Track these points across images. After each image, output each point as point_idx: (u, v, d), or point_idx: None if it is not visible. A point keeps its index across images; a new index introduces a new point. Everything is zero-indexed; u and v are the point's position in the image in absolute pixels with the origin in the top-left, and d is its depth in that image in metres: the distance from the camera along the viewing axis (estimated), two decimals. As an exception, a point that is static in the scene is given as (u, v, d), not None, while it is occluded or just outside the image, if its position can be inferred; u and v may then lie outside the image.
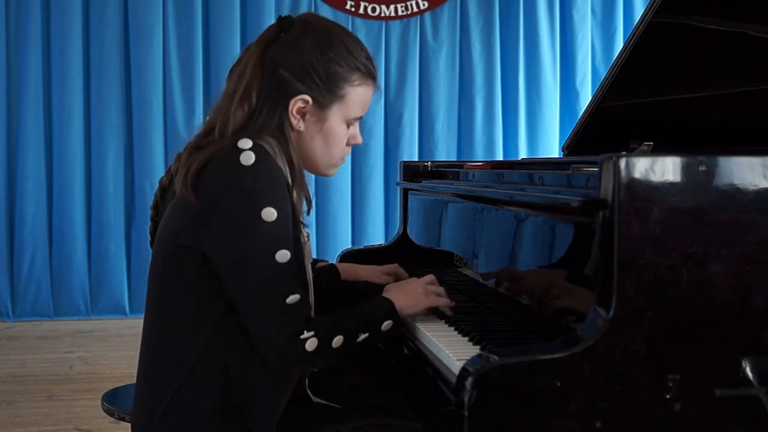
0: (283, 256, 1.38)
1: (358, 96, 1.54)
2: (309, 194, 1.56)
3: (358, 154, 5.57)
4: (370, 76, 1.56)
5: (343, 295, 1.83)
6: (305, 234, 1.58)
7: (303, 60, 1.49)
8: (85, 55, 5.25)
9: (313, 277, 1.80)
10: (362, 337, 1.44)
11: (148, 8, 5.26)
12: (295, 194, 1.47)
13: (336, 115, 1.53)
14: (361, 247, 2.49)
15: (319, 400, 1.68)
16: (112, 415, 2.00)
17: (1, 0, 5.14)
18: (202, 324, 1.45)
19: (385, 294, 1.57)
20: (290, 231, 1.42)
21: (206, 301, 1.44)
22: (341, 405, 1.69)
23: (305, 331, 1.38)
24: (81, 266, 5.26)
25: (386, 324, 1.48)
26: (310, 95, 1.50)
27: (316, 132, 1.53)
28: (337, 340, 1.41)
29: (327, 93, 1.51)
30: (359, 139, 1.60)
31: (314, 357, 1.39)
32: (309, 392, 1.67)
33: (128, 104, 5.31)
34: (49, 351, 4.45)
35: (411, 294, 1.58)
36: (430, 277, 1.67)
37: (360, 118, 1.58)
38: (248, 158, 1.38)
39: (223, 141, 1.45)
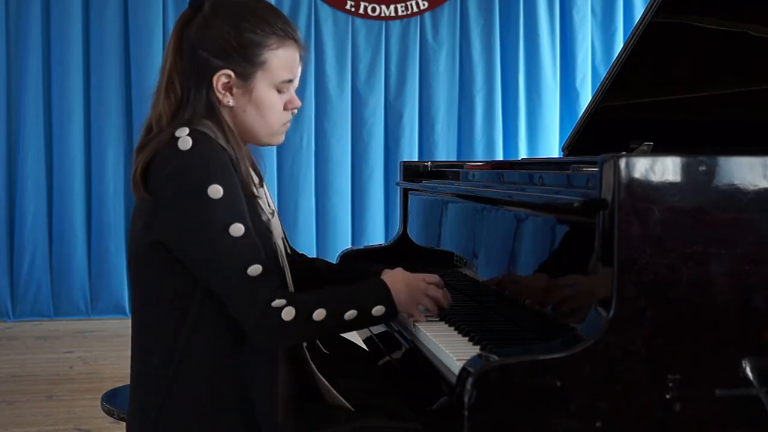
0: (236, 229, 1.41)
1: (279, 59, 1.54)
2: (257, 168, 1.59)
3: (358, 154, 5.58)
4: (289, 37, 1.55)
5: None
6: (270, 209, 1.60)
7: (216, 36, 1.51)
8: (85, 55, 5.25)
9: (315, 270, 1.79)
10: (350, 314, 1.46)
11: (148, 8, 5.26)
12: (243, 169, 1.49)
13: (262, 83, 1.54)
14: (361, 247, 2.49)
15: (338, 396, 1.66)
16: (111, 415, 2.00)
17: (1, 0, 5.14)
18: (183, 320, 1.47)
19: (386, 279, 1.55)
20: (242, 205, 1.44)
21: (182, 295, 1.47)
22: (341, 405, 1.69)
23: (276, 299, 1.40)
24: (81, 266, 5.26)
25: (377, 309, 1.49)
26: (230, 69, 1.51)
27: (246, 103, 1.54)
28: (319, 313, 1.43)
29: (246, 63, 1.52)
30: (297, 103, 1.59)
31: (294, 328, 1.41)
32: (325, 382, 1.64)
33: (128, 104, 5.31)
34: (49, 351, 4.45)
35: (412, 289, 1.57)
36: (436, 277, 1.65)
37: (290, 81, 1.57)
38: (185, 143, 1.42)
39: (162, 135, 1.47)
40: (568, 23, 5.78)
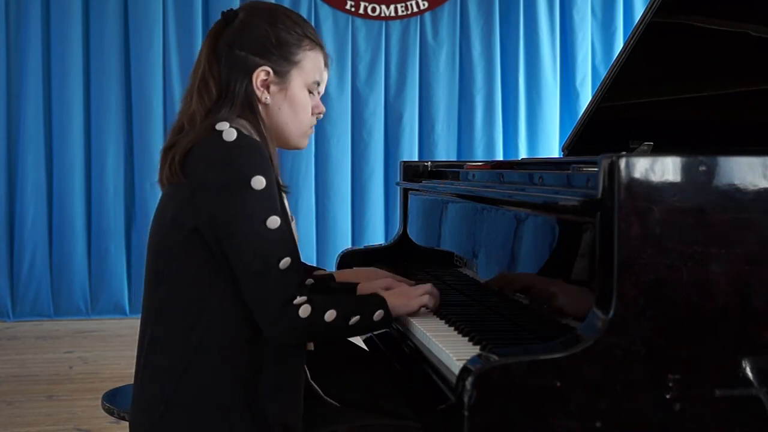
0: (273, 222, 1.44)
1: (312, 60, 1.62)
2: (278, 171, 1.61)
3: (358, 154, 5.58)
4: (318, 43, 1.63)
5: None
6: (290, 214, 1.62)
7: (255, 35, 1.57)
8: (85, 55, 5.25)
9: (312, 283, 1.81)
10: (354, 319, 1.50)
11: (148, 8, 5.26)
12: (275, 166, 1.53)
13: (296, 81, 1.60)
14: (361, 247, 2.49)
15: (329, 400, 1.68)
16: (112, 414, 2.01)
17: (1, 0, 5.14)
18: (201, 316, 1.47)
19: (380, 292, 1.63)
20: (278, 199, 1.48)
21: (206, 292, 1.47)
22: (341, 405, 1.69)
23: (298, 296, 1.44)
24: (81, 266, 5.26)
25: (378, 313, 1.53)
26: (269, 65, 1.57)
27: (281, 101, 1.60)
28: (330, 314, 1.46)
29: (283, 61, 1.58)
30: (322, 108, 1.67)
31: (307, 325, 1.44)
32: (315, 385, 1.67)
33: (128, 104, 5.31)
34: (49, 351, 4.45)
35: (402, 294, 1.64)
36: (428, 285, 1.70)
37: (318, 84, 1.65)
38: (230, 134, 1.45)
39: (198, 129, 1.50)
40: (568, 23, 5.78)
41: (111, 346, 4.52)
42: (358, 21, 5.57)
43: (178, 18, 5.32)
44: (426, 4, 5.61)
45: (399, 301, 1.60)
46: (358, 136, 5.58)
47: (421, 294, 1.65)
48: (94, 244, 5.30)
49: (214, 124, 1.47)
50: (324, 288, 1.83)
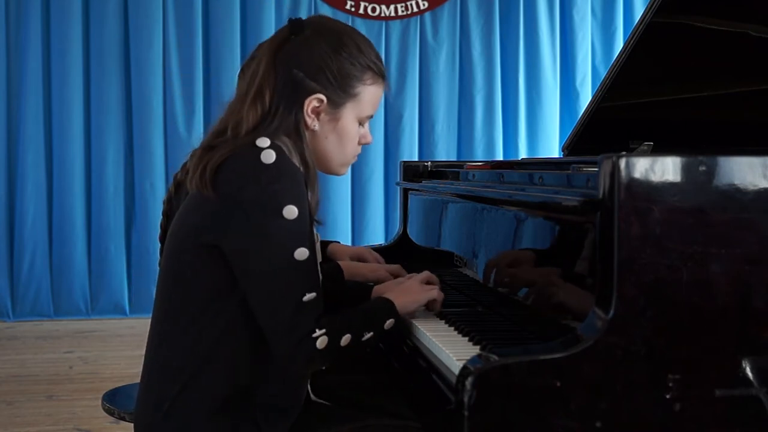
0: (301, 254, 1.40)
1: (371, 95, 1.56)
2: (318, 195, 1.57)
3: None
4: (381, 75, 1.58)
5: (340, 296, 1.83)
6: (316, 234, 1.59)
7: (316, 59, 1.51)
8: (85, 55, 5.25)
9: (337, 281, 1.81)
10: (367, 336, 1.47)
11: (148, 8, 5.26)
12: (309, 194, 1.48)
13: (349, 114, 1.55)
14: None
15: (319, 400, 1.68)
16: (112, 414, 2.01)
17: (1, 0, 5.14)
18: (216, 319, 1.46)
19: (383, 294, 1.60)
20: (309, 229, 1.43)
21: (221, 296, 1.46)
22: (341, 405, 1.69)
23: (317, 330, 1.39)
24: (81, 266, 5.26)
25: (389, 323, 1.51)
26: (324, 94, 1.51)
27: (330, 131, 1.55)
28: (345, 339, 1.43)
29: (341, 92, 1.52)
30: (369, 138, 1.62)
31: (324, 355, 1.41)
32: (309, 389, 1.67)
33: (128, 104, 5.31)
34: (49, 351, 4.45)
35: (409, 291, 1.62)
36: (426, 273, 1.70)
37: (371, 117, 1.60)
38: (269, 156, 1.40)
39: (239, 140, 1.46)
40: (568, 23, 5.78)
41: (111, 346, 4.52)
42: (358, 21, 5.57)
43: (178, 18, 5.32)
44: (426, 4, 5.61)
45: (407, 299, 1.58)
46: (358, 136, 5.57)
47: (428, 289, 1.64)
48: (94, 244, 5.30)
49: (255, 139, 1.42)
50: (335, 287, 1.81)
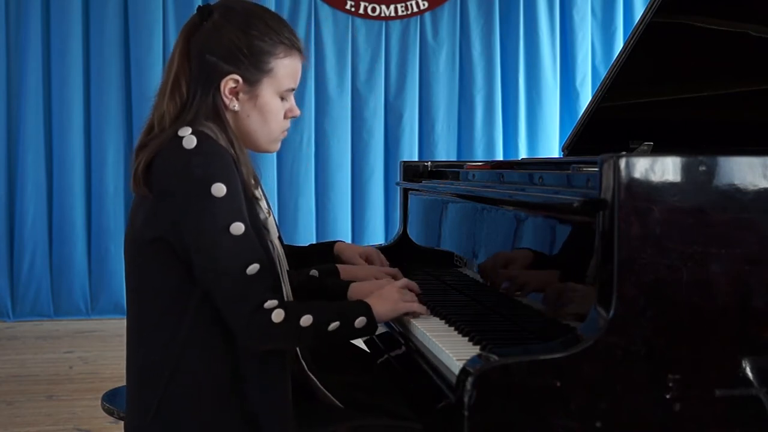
0: (237, 228, 1.43)
1: (285, 68, 1.58)
2: (255, 173, 1.61)
3: (358, 154, 5.58)
4: (294, 47, 1.60)
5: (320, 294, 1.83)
6: (266, 209, 1.63)
7: (226, 41, 1.54)
8: (85, 55, 5.25)
9: (316, 278, 1.81)
10: (334, 325, 1.48)
11: (148, 8, 5.26)
12: (244, 171, 1.52)
13: (267, 90, 1.57)
14: (361, 247, 2.49)
15: (327, 394, 1.68)
16: (112, 414, 2.01)
17: (1, 0, 5.14)
18: (182, 316, 1.48)
19: (360, 295, 1.63)
20: (242, 205, 1.47)
21: (183, 292, 1.48)
22: (341, 405, 1.69)
23: (269, 300, 1.42)
24: (81, 266, 5.26)
25: (360, 320, 1.51)
26: (238, 74, 1.54)
27: (251, 109, 1.57)
28: (306, 319, 1.45)
29: (254, 69, 1.55)
30: (296, 111, 1.64)
31: (281, 330, 1.43)
32: (314, 378, 1.66)
33: (128, 104, 5.31)
34: (49, 351, 4.45)
35: (388, 299, 1.61)
36: (405, 280, 1.72)
37: (293, 90, 1.62)
38: (190, 142, 1.44)
39: (164, 134, 1.50)
40: (568, 23, 5.78)
41: (111, 346, 4.51)
42: (358, 21, 5.57)
43: (178, 18, 5.31)
44: (426, 4, 5.61)
45: (385, 307, 1.58)
46: (358, 135, 5.58)
47: (408, 300, 1.64)
48: (94, 244, 5.30)
49: (177, 130, 1.46)
50: (315, 287, 1.82)
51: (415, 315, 1.66)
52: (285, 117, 1.62)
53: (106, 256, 5.27)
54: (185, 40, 1.57)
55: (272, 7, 5.36)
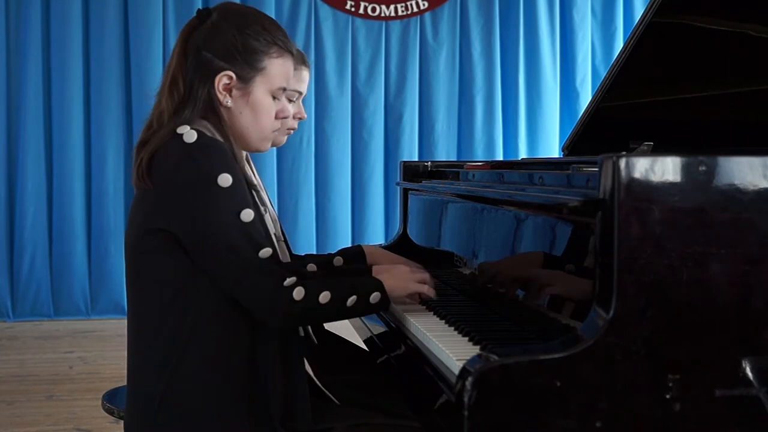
0: (247, 215, 1.47)
1: (278, 67, 1.62)
2: (245, 169, 1.62)
3: (358, 154, 5.58)
4: (288, 50, 1.64)
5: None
6: (268, 201, 1.65)
7: (223, 39, 1.58)
8: (85, 55, 5.25)
9: (342, 260, 1.86)
10: (351, 300, 1.50)
11: (148, 8, 5.26)
12: (240, 164, 1.55)
13: (260, 88, 1.61)
14: (361, 247, 2.48)
15: (326, 392, 1.68)
16: (112, 414, 2.01)
17: (1, 0, 5.14)
18: (186, 308, 1.49)
19: (374, 274, 1.63)
20: (247, 193, 1.51)
21: (186, 284, 1.49)
22: (341, 404, 1.69)
23: (287, 278, 1.45)
24: (81, 266, 5.26)
25: (375, 296, 1.53)
26: (233, 70, 1.58)
27: (243, 106, 1.61)
28: (325, 296, 1.47)
29: (248, 67, 1.59)
30: (287, 112, 1.69)
31: (302, 307, 1.45)
32: (316, 380, 1.67)
33: (128, 104, 5.31)
34: (49, 351, 4.46)
35: (399, 276, 1.63)
36: (418, 266, 1.73)
37: (285, 90, 1.65)
38: (191, 137, 1.47)
39: (163, 129, 1.52)
40: (568, 23, 5.78)
41: (111, 346, 4.52)
42: (358, 21, 5.57)
43: (178, 18, 5.32)
44: (426, 4, 5.61)
45: (396, 284, 1.60)
46: (358, 136, 5.58)
47: (419, 280, 1.64)
48: (94, 244, 5.30)
49: (176, 128, 1.49)
50: (331, 269, 1.83)
51: (425, 297, 1.67)
52: (276, 117, 1.65)
53: (106, 256, 5.27)
54: (184, 40, 1.60)
55: (272, 7, 5.37)
